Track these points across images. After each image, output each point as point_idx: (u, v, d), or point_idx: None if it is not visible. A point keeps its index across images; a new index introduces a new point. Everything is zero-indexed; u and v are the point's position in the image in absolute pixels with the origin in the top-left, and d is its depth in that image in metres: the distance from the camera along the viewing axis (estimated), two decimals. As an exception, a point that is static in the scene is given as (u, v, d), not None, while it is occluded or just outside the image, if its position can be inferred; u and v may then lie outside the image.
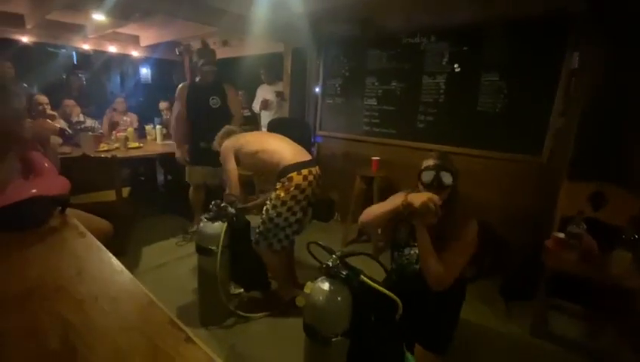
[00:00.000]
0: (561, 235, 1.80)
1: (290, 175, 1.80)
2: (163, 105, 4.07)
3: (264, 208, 1.87)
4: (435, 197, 1.24)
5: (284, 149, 1.92)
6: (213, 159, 2.23)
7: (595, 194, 1.93)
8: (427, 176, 1.35)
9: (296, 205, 1.82)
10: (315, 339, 1.19)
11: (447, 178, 1.34)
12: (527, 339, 1.86)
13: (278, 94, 3.74)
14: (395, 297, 1.15)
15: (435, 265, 1.27)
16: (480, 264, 2.48)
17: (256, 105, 4.00)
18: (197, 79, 2.71)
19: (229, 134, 2.16)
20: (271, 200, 1.84)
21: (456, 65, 2.62)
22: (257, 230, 1.88)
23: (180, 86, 2.72)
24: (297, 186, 1.80)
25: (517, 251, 2.34)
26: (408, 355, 1.22)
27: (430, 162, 1.39)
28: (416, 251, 1.40)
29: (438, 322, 1.39)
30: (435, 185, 1.34)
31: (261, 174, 2.55)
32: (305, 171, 1.83)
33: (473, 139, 2.59)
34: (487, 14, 2.41)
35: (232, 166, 2.01)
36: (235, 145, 2.02)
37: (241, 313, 1.88)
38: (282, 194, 1.80)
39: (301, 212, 1.87)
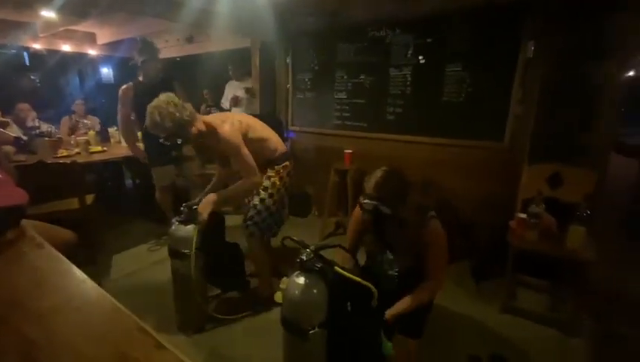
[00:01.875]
0: (523, 215, 1.91)
1: (285, 163, 1.89)
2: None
3: (257, 198, 1.84)
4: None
5: (276, 136, 1.95)
6: (173, 157, 2.18)
7: (552, 175, 2.06)
8: (367, 213, 1.29)
9: (285, 193, 1.91)
10: (293, 333, 1.20)
11: (386, 210, 1.24)
12: (497, 316, 1.97)
13: (248, 90, 3.68)
14: (369, 285, 1.18)
15: (427, 295, 1.35)
16: (450, 248, 2.59)
17: (225, 102, 3.92)
18: (140, 78, 2.57)
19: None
20: (265, 188, 1.83)
21: (421, 57, 2.68)
22: (250, 221, 1.85)
23: (123, 87, 2.55)
24: (288, 174, 1.90)
25: (485, 233, 2.46)
26: (386, 342, 1.26)
27: (367, 195, 1.28)
28: (388, 256, 1.45)
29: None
30: (374, 217, 1.28)
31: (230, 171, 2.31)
32: (290, 161, 1.93)
33: (439, 128, 2.67)
34: (449, 5, 2.48)
35: (247, 150, 1.75)
36: (241, 129, 1.76)
37: (220, 316, 1.86)
38: (277, 182, 1.84)
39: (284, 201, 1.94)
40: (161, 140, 1.63)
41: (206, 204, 1.70)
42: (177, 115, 1.57)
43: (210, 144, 1.75)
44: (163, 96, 1.60)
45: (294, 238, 1.25)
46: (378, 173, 1.29)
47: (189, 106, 1.64)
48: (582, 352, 1.71)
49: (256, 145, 1.80)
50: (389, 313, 1.29)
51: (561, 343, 1.77)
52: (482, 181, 2.53)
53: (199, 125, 1.67)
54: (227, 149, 1.73)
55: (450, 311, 2.01)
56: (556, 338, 1.80)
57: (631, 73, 2.84)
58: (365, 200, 1.27)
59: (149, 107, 1.58)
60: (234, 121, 1.77)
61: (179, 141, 1.64)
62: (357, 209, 1.48)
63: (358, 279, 1.19)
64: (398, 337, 1.30)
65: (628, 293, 2.25)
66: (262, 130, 1.88)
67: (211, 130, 1.69)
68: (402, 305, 1.31)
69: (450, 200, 2.65)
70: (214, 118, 1.81)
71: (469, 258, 2.50)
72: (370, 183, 1.28)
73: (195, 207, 1.72)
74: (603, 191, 2.08)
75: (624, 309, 2.10)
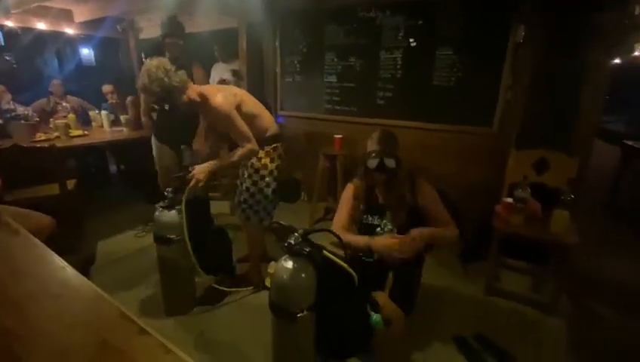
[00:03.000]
0: (509, 200, 1.94)
1: (276, 144, 1.84)
2: (107, 88, 3.72)
3: (249, 181, 1.82)
4: (397, 246, 1.35)
5: (269, 116, 1.89)
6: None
7: (538, 160, 2.09)
8: (372, 163, 1.46)
9: (278, 175, 1.86)
10: (281, 317, 1.20)
11: (390, 163, 1.44)
12: (481, 297, 2.02)
13: (235, 73, 3.56)
14: (350, 270, 1.19)
15: (451, 232, 1.49)
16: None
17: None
18: (167, 56, 2.44)
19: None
20: (257, 170, 1.80)
21: (412, 40, 2.63)
22: (245, 205, 1.84)
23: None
24: (279, 156, 1.86)
25: (472, 217, 2.50)
26: (373, 314, 1.27)
27: (374, 147, 1.49)
28: (385, 227, 1.54)
29: (404, 283, 1.48)
30: (380, 171, 1.46)
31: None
32: (281, 143, 1.88)
33: (429, 113, 2.66)
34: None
35: (242, 121, 1.71)
36: (235, 101, 1.72)
37: (220, 287, 1.87)
38: (269, 164, 1.81)
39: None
40: (156, 106, 1.66)
41: (203, 167, 1.70)
42: (166, 80, 1.56)
43: (203, 114, 1.73)
44: (154, 60, 1.59)
45: (283, 223, 1.24)
46: (377, 133, 1.52)
47: (182, 74, 1.61)
48: (560, 331, 1.78)
49: (247, 120, 1.75)
50: (416, 231, 1.38)
51: (541, 323, 1.84)
52: (471, 166, 2.55)
53: (191, 94, 1.65)
54: (219, 118, 1.68)
55: (437, 292, 2.05)
56: (536, 318, 1.87)
57: (617, 61, 2.87)
58: (372, 158, 1.45)
59: (142, 68, 1.59)
60: (228, 92, 1.73)
61: (166, 107, 1.63)
62: (348, 186, 1.62)
63: (343, 264, 1.19)
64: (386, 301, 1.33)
65: (606, 275, 2.34)
66: (254, 105, 1.83)
67: (203, 100, 1.67)
68: (432, 230, 1.44)
69: (438, 184, 2.67)
70: (208, 87, 1.78)
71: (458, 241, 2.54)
72: (373, 141, 1.50)
73: (190, 168, 1.71)
74: (585, 177, 2.12)
75: (602, 290, 2.19)
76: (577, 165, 1.98)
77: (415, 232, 1.37)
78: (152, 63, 1.57)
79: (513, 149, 2.18)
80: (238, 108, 1.72)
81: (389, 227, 1.53)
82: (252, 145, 1.72)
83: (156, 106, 1.66)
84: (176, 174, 1.77)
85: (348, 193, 1.62)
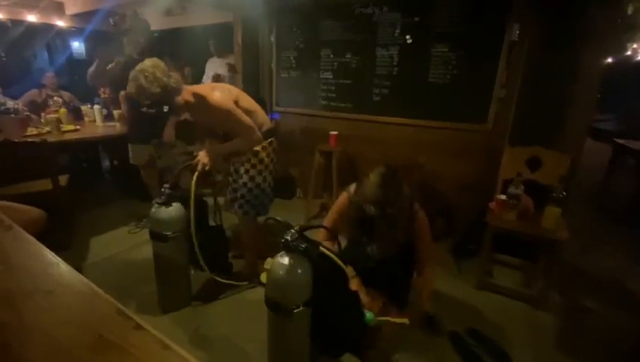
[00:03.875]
0: (503, 197, 1.96)
1: (271, 139, 1.84)
2: (99, 82, 3.66)
3: (246, 176, 1.81)
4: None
5: (262, 111, 1.89)
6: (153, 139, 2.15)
7: (532, 157, 2.11)
8: (370, 211, 1.25)
9: (273, 169, 1.88)
10: (277, 312, 1.21)
11: (390, 219, 1.24)
12: (474, 292, 2.05)
13: (230, 68, 3.53)
14: (344, 267, 1.20)
15: (434, 276, 1.52)
16: (432, 228, 2.66)
17: (207, 81, 3.77)
18: (133, 54, 2.49)
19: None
20: (254, 165, 1.80)
21: (408, 37, 2.64)
22: (242, 200, 1.84)
23: (110, 65, 2.56)
24: (274, 150, 1.87)
25: (466, 214, 2.53)
26: (367, 313, 1.29)
27: (373, 191, 1.26)
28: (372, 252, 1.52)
29: (398, 281, 1.51)
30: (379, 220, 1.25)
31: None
32: (274, 137, 1.89)
33: (425, 110, 2.67)
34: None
35: (242, 113, 1.70)
36: (232, 96, 1.71)
37: (220, 279, 1.86)
38: (266, 159, 1.81)
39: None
40: (143, 109, 1.59)
41: (207, 152, 1.70)
42: (165, 79, 1.53)
43: (200, 114, 1.71)
44: (148, 61, 1.55)
45: (279, 218, 1.24)
46: (378, 176, 1.30)
47: (175, 75, 1.60)
48: (549, 325, 1.81)
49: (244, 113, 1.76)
50: (423, 306, 1.46)
51: (531, 317, 1.87)
52: (465, 163, 2.57)
53: (186, 96, 1.63)
54: (220, 115, 1.66)
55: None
56: (527, 312, 1.90)
57: (609, 60, 2.91)
58: (368, 206, 1.24)
59: (133, 71, 1.53)
60: (224, 88, 1.73)
61: (165, 109, 1.60)
62: (343, 197, 1.51)
63: (338, 261, 1.20)
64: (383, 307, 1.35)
65: (595, 270, 2.39)
66: (250, 101, 1.84)
67: (200, 100, 1.63)
68: (426, 294, 1.49)
69: (433, 181, 2.69)
70: (202, 87, 1.77)
71: (449, 237, 2.57)
72: (373, 184, 1.28)
73: (195, 154, 1.72)
74: (577, 174, 2.15)
75: (590, 285, 2.23)
76: (569, 162, 2.01)
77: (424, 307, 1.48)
78: (146, 64, 1.53)
79: (507, 146, 2.21)
80: (236, 103, 1.71)
81: (376, 252, 1.50)
82: (257, 133, 1.73)
83: (146, 109, 1.59)
84: (184, 164, 1.78)
85: (341, 202, 1.50)
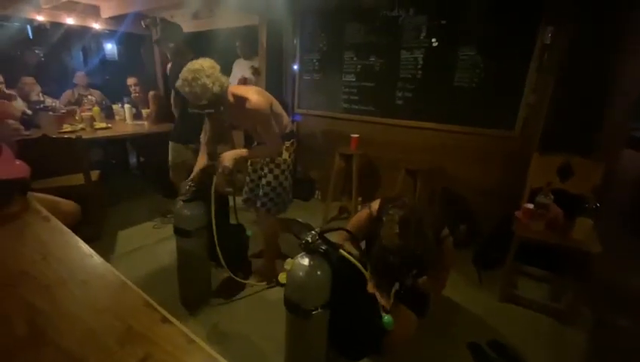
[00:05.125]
0: (530, 206, 1.89)
1: (293, 139, 1.90)
2: (131, 80, 3.82)
3: (271, 175, 1.86)
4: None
5: (285, 114, 1.93)
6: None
7: (563, 166, 2.02)
8: (391, 249, 1.14)
9: (292, 169, 1.93)
10: (296, 313, 1.21)
11: (409, 263, 1.17)
12: (497, 304, 1.98)
13: (254, 71, 3.60)
14: (365, 271, 1.18)
15: (445, 281, 1.45)
16: (455, 235, 2.59)
17: (233, 82, 3.85)
18: (176, 59, 2.56)
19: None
20: (278, 165, 1.85)
21: (433, 40, 2.59)
22: (266, 198, 1.88)
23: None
24: (294, 151, 1.92)
25: (490, 222, 2.45)
26: (385, 316, 1.26)
27: (392, 248, 1.13)
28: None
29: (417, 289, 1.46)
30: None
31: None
32: (294, 138, 1.93)
33: (449, 114, 2.61)
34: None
35: (274, 122, 1.73)
36: (269, 101, 1.73)
37: (240, 279, 1.91)
38: (288, 158, 1.87)
39: None
40: (191, 110, 1.55)
41: (229, 154, 1.70)
42: (223, 79, 1.51)
43: (235, 115, 1.71)
44: (206, 61, 1.50)
45: (300, 220, 1.25)
46: (394, 226, 1.15)
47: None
48: (577, 341, 1.72)
49: (275, 119, 1.79)
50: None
51: (558, 332, 1.79)
52: (490, 169, 2.49)
53: (229, 96, 1.62)
54: (255, 118, 1.68)
55: (451, 298, 2.02)
56: (553, 327, 1.82)
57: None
58: (388, 255, 1.13)
59: (189, 72, 1.45)
60: (261, 92, 1.76)
61: (222, 108, 1.58)
62: (364, 213, 1.45)
63: (358, 264, 1.19)
64: (398, 309, 1.32)
65: (628, 286, 2.25)
66: (277, 105, 1.87)
67: (240, 101, 1.63)
68: (436, 296, 1.47)
69: (456, 186, 2.63)
70: (239, 88, 1.74)
71: (471, 246, 2.50)
72: (389, 238, 1.14)
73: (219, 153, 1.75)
74: (612, 185, 2.04)
75: (624, 302, 2.10)
76: (603, 172, 1.92)
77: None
78: (204, 64, 1.47)
79: (536, 153, 2.13)
80: (270, 107, 1.74)
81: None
82: (281, 143, 1.79)
83: (198, 110, 1.54)
84: (207, 164, 1.81)
85: (363, 218, 1.46)
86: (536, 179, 2.06)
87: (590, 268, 1.94)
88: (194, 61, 1.50)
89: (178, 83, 1.48)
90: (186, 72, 1.46)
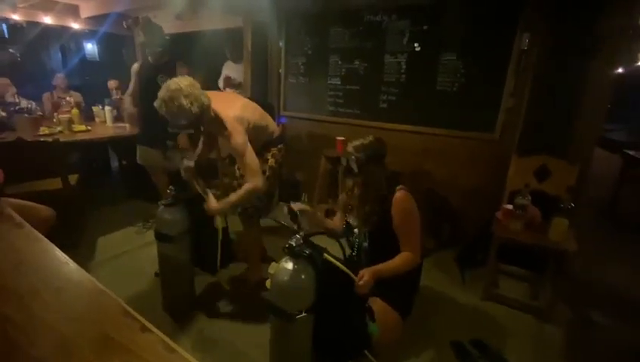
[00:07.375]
0: (509, 207, 1.94)
1: (280, 145, 1.87)
2: (112, 83, 3.74)
3: None
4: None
5: (272, 120, 1.91)
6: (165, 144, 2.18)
7: (540, 167, 2.10)
8: (342, 161, 1.53)
9: (279, 174, 1.92)
10: (280, 317, 1.20)
11: (354, 165, 1.47)
12: (479, 303, 2.03)
13: (239, 84, 3.58)
14: (352, 274, 1.20)
15: (401, 263, 1.41)
16: (439, 236, 2.64)
17: (221, 83, 3.80)
18: (149, 58, 2.53)
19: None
20: (264, 172, 1.78)
21: (416, 45, 2.64)
22: (247, 204, 1.83)
23: (135, 65, 2.59)
24: (282, 156, 1.90)
25: (472, 223, 2.51)
26: (370, 324, 1.28)
27: (347, 149, 1.53)
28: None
29: (399, 285, 1.48)
30: (346, 172, 1.51)
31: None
32: (283, 143, 1.92)
33: (432, 118, 2.66)
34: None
35: (251, 148, 1.58)
36: (247, 128, 1.61)
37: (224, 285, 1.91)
38: (274, 164, 1.85)
39: None
40: (171, 130, 1.49)
41: (215, 207, 1.63)
42: (203, 98, 1.42)
43: (213, 131, 1.67)
44: (184, 80, 1.41)
45: (284, 223, 1.25)
46: (364, 138, 1.55)
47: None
48: (557, 338, 1.78)
49: (257, 132, 1.74)
50: (367, 271, 1.31)
51: (538, 329, 1.84)
52: (472, 171, 2.55)
53: (212, 112, 1.54)
54: (233, 151, 1.59)
55: (435, 295, 2.06)
56: (533, 325, 1.87)
57: (619, 70, 2.88)
58: (348, 156, 1.47)
59: (167, 91, 1.38)
60: (236, 110, 1.63)
61: (202, 128, 1.58)
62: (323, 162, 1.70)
63: (343, 267, 1.20)
64: (384, 310, 1.34)
65: (604, 283, 2.34)
66: (261, 117, 1.81)
67: (218, 120, 1.55)
68: (379, 266, 1.37)
69: (439, 188, 2.68)
70: (220, 104, 1.60)
71: (455, 246, 2.55)
72: (353, 143, 1.52)
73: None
74: (586, 185, 2.13)
75: (599, 298, 2.19)
76: (577, 173, 1.99)
77: (362, 272, 1.31)
78: (182, 83, 1.39)
79: (514, 155, 2.19)
80: (249, 129, 1.64)
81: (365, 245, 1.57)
82: (259, 181, 1.61)
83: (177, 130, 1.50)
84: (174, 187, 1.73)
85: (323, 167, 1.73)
86: (514, 180, 2.12)
87: (566, 266, 2.01)
88: (173, 80, 1.43)
89: (156, 102, 1.41)
90: (163, 91, 1.39)
